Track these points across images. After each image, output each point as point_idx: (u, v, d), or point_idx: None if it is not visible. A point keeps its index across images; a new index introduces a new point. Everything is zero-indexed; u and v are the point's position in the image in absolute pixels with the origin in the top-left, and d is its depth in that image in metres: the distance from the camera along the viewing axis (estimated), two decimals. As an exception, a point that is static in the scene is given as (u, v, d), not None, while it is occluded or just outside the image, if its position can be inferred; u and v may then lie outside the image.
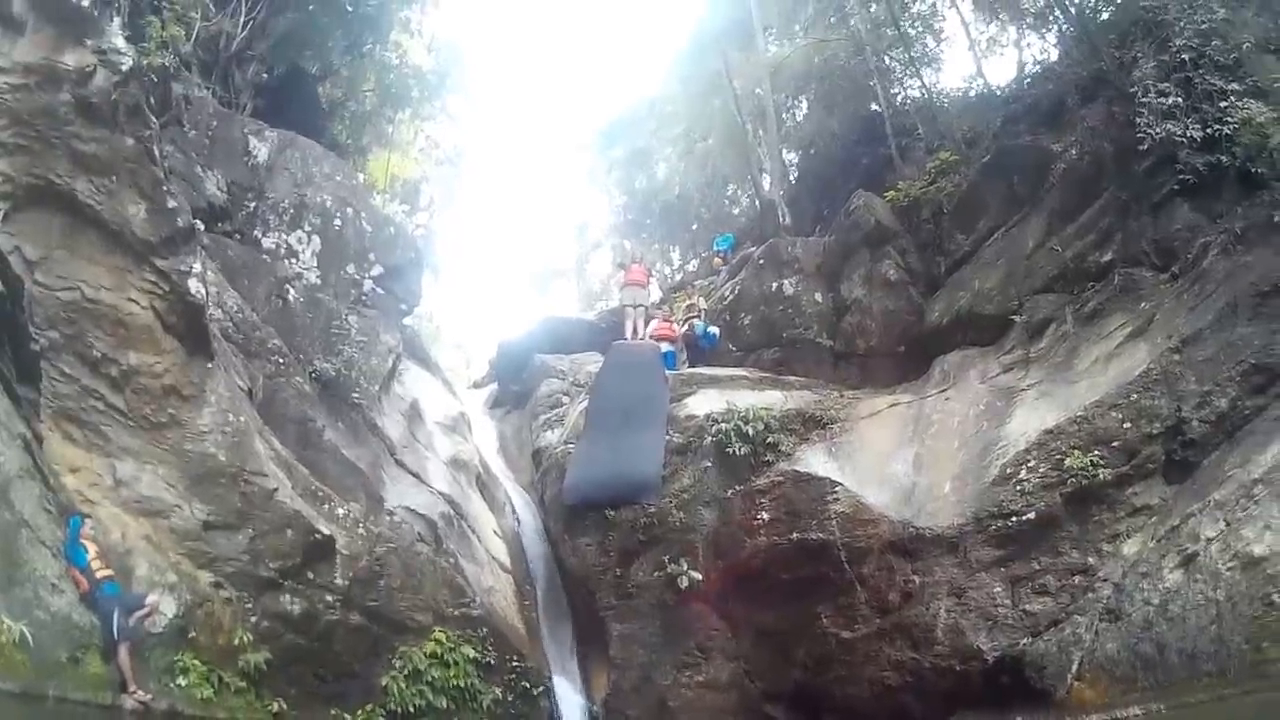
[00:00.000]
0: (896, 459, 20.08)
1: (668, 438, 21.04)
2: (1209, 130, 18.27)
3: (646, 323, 27.29)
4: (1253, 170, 17.88)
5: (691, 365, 25.25)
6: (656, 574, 19.82)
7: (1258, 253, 17.36)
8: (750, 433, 20.15)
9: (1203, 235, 18.29)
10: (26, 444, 13.59)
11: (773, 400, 21.67)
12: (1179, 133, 18.36)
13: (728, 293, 27.66)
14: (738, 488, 19.95)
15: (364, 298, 22.44)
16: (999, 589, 17.32)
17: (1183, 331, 17.38)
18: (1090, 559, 16.78)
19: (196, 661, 14.93)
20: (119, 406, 15.41)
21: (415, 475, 20.91)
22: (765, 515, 19.32)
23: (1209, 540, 15.58)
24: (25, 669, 12.10)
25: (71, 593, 13.52)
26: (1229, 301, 17.12)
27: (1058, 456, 17.33)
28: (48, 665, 12.56)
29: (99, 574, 13.92)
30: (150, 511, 15.42)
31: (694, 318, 26.74)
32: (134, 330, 15.51)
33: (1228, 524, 15.53)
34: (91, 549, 14.04)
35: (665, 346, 25.44)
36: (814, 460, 19.96)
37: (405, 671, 17.17)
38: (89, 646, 13.37)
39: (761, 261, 26.88)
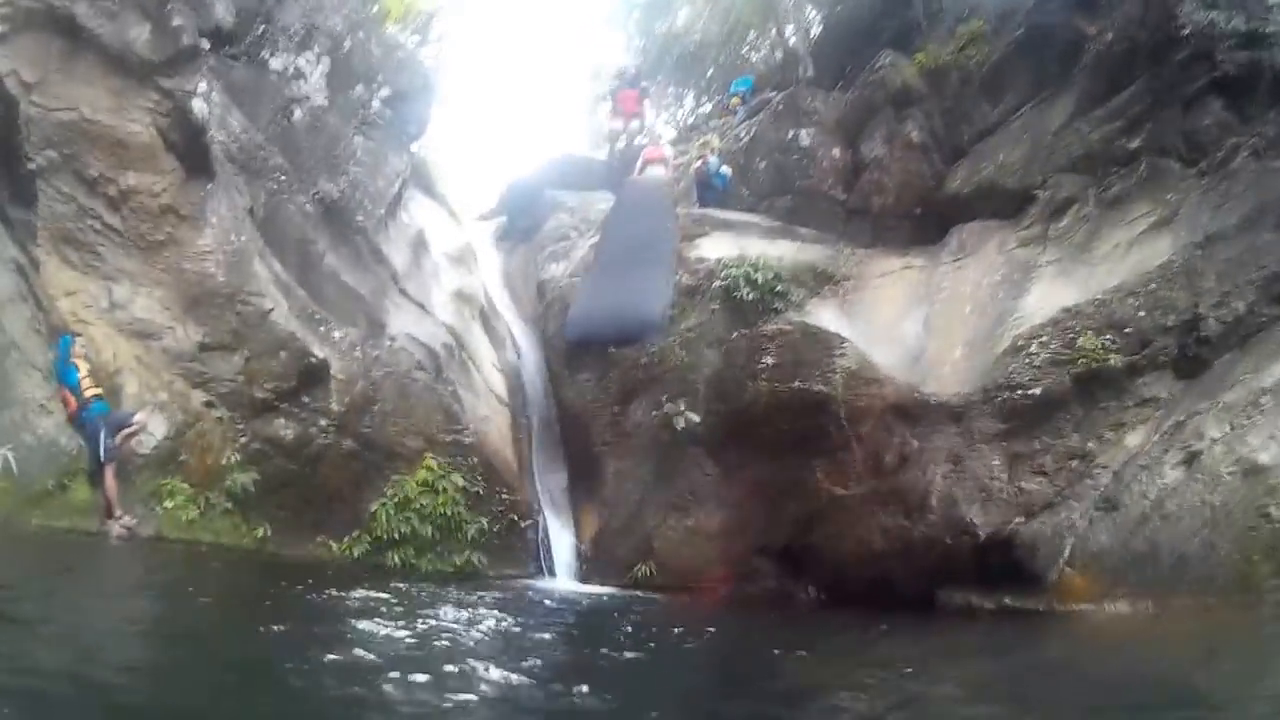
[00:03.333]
0: (907, 321, 19.86)
1: (677, 278, 20.70)
2: (1252, 24, 17.50)
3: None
4: (1294, 74, 17.30)
5: (702, 206, 24.68)
6: (654, 413, 19.63)
7: (1288, 161, 16.91)
8: (760, 280, 19.89)
9: (1234, 135, 17.68)
10: (20, 268, 13.48)
11: (784, 250, 21.31)
12: (1221, 22, 17.57)
13: (743, 134, 26.96)
14: (743, 331, 19.62)
15: (371, 119, 21.80)
16: (997, 463, 17.12)
17: (1207, 228, 16.97)
18: (1091, 444, 16.57)
19: (185, 485, 14.94)
20: (116, 226, 15.19)
21: (419, 305, 20.65)
22: (769, 360, 18.87)
23: (1214, 441, 15.46)
24: (8, 497, 12.14)
25: (60, 414, 13.51)
26: (1256, 205, 16.70)
27: (1071, 335, 17.02)
28: (33, 493, 12.60)
29: (88, 393, 13.85)
30: (144, 334, 15.40)
31: (707, 155, 26.16)
32: (134, 150, 15.19)
33: (1233, 427, 15.41)
34: (83, 368, 13.97)
35: (658, 170, 25.10)
36: (823, 314, 19.81)
37: (395, 499, 17.22)
38: (75, 472, 13.39)
39: (780, 108, 26.03)
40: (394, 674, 7.45)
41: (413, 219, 22.22)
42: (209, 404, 15.68)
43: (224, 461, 15.49)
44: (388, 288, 20.15)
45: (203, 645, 8.42)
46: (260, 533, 15.76)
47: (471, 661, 8.56)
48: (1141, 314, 16.76)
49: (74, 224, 14.90)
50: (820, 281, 20.52)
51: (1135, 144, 18.94)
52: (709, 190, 25.22)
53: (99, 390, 14.07)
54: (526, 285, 25.50)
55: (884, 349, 19.06)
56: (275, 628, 9.20)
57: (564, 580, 18.82)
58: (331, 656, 8.05)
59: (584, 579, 19.03)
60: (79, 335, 14.21)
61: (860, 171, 24.11)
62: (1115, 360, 16.55)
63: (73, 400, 13.70)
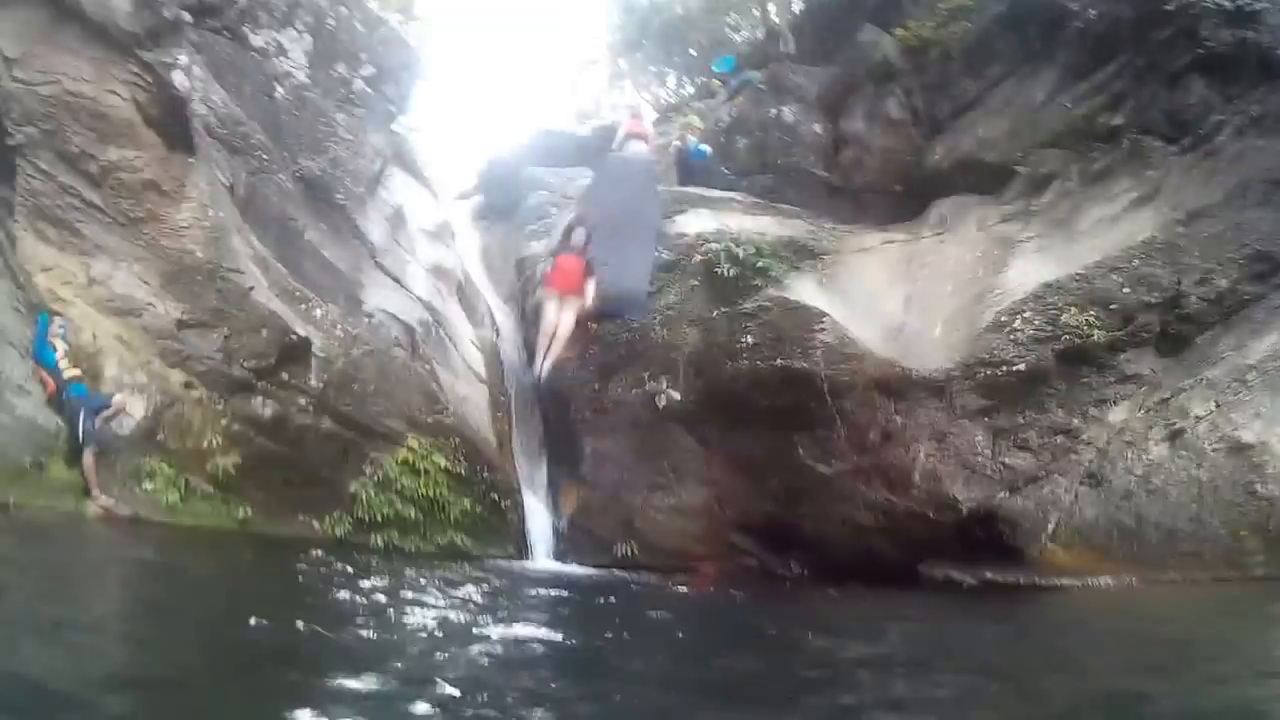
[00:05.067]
0: (887, 297, 19.78)
1: (657, 254, 20.54)
2: (1238, 0, 17.60)
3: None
4: (1276, 53, 17.41)
5: (682, 184, 24.50)
6: (635, 391, 19.50)
7: (1270, 140, 17.04)
8: (741, 255, 19.66)
9: (1217, 113, 17.80)
10: (-1, 244, 13.20)
11: (765, 226, 21.11)
12: None
13: (725, 115, 26.84)
14: (724, 309, 19.45)
15: (353, 97, 21.43)
16: (980, 438, 17.19)
17: (1190, 205, 17.08)
18: (1075, 420, 16.68)
19: (165, 465, 14.75)
20: (96, 203, 14.86)
21: (396, 280, 20.34)
22: (750, 339, 18.82)
23: (1198, 418, 15.62)
24: (-14, 475, 11.90)
25: (38, 394, 13.30)
26: (1240, 182, 16.83)
27: (1054, 311, 17.06)
28: (9, 471, 12.38)
29: (66, 375, 13.65)
30: (123, 310, 15.06)
31: (687, 135, 26.04)
32: (115, 124, 14.84)
33: (1218, 405, 15.60)
34: (60, 348, 13.72)
35: (639, 144, 24.93)
36: (803, 290, 19.58)
37: (375, 479, 17.02)
38: (53, 451, 13.19)
39: (762, 86, 26.06)
40: (375, 661, 7.36)
41: (392, 195, 21.87)
42: (188, 384, 15.36)
43: (204, 444, 15.20)
44: (364, 262, 19.82)
45: (187, 623, 8.32)
46: (241, 514, 15.53)
47: (447, 649, 8.50)
48: (1124, 290, 16.80)
49: (53, 200, 14.54)
50: (801, 256, 20.28)
51: (1118, 120, 19.00)
52: (689, 169, 25.11)
53: (77, 372, 13.88)
54: (505, 263, 25.34)
55: (863, 324, 18.96)
56: (260, 609, 9.09)
57: (542, 560, 18.61)
58: (316, 638, 7.97)
59: (562, 558, 18.86)
60: (58, 314, 13.99)
61: (841, 147, 24.06)
62: (1099, 336, 16.59)
63: (51, 381, 13.53)
